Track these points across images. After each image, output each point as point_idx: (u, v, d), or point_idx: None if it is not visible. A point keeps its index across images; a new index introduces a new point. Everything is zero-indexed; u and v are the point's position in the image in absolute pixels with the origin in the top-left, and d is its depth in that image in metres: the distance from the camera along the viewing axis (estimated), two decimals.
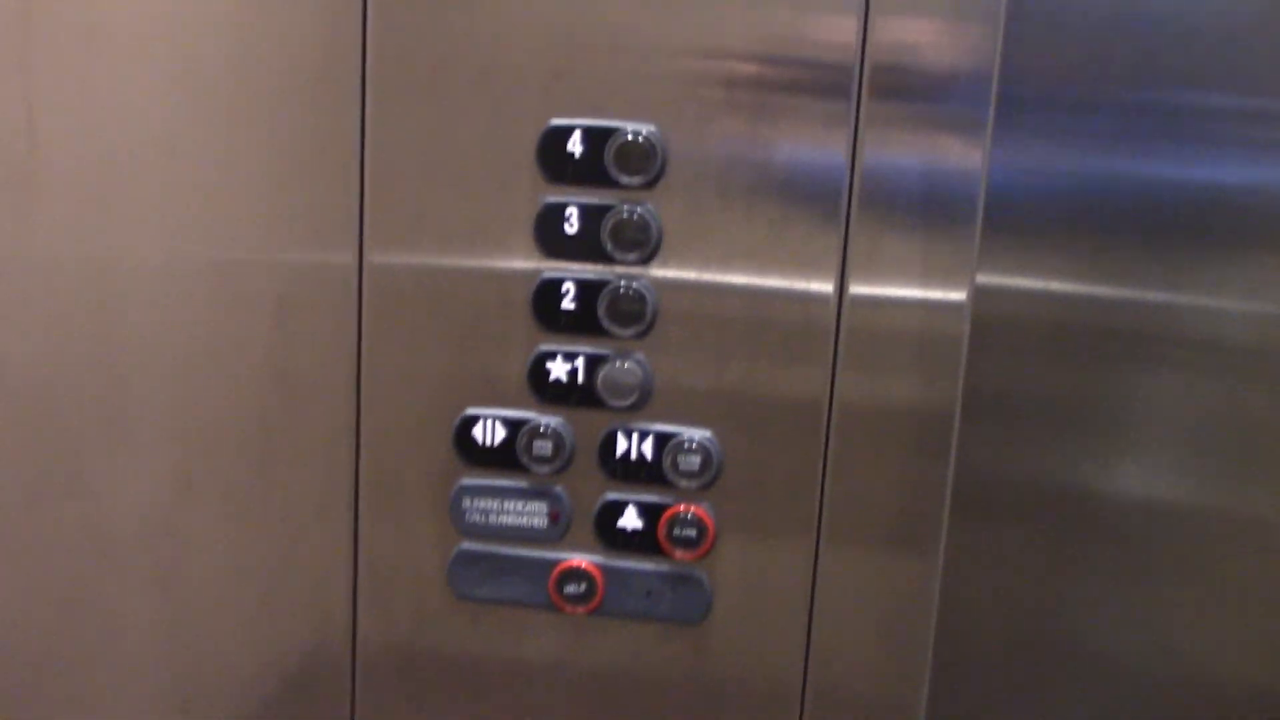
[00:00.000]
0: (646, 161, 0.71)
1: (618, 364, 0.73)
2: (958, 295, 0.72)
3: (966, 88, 0.70)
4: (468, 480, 0.76)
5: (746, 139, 0.71)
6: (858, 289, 0.72)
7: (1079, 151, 0.81)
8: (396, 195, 0.74)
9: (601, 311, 0.73)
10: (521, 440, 0.75)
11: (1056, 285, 0.83)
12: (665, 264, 0.73)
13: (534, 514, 0.76)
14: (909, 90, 0.71)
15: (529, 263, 0.73)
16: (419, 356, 0.76)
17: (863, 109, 0.70)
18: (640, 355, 0.74)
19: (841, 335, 0.73)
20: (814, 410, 0.74)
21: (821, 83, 0.71)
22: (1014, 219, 0.80)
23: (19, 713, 0.85)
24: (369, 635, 0.80)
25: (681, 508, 0.74)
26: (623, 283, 0.72)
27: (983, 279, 0.75)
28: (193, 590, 0.82)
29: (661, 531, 0.75)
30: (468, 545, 0.77)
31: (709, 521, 0.74)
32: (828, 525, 0.75)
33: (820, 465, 0.75)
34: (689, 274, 0.73)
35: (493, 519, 0.76)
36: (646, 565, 0.76)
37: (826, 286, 0.73)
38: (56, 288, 0.79)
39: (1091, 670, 0.86)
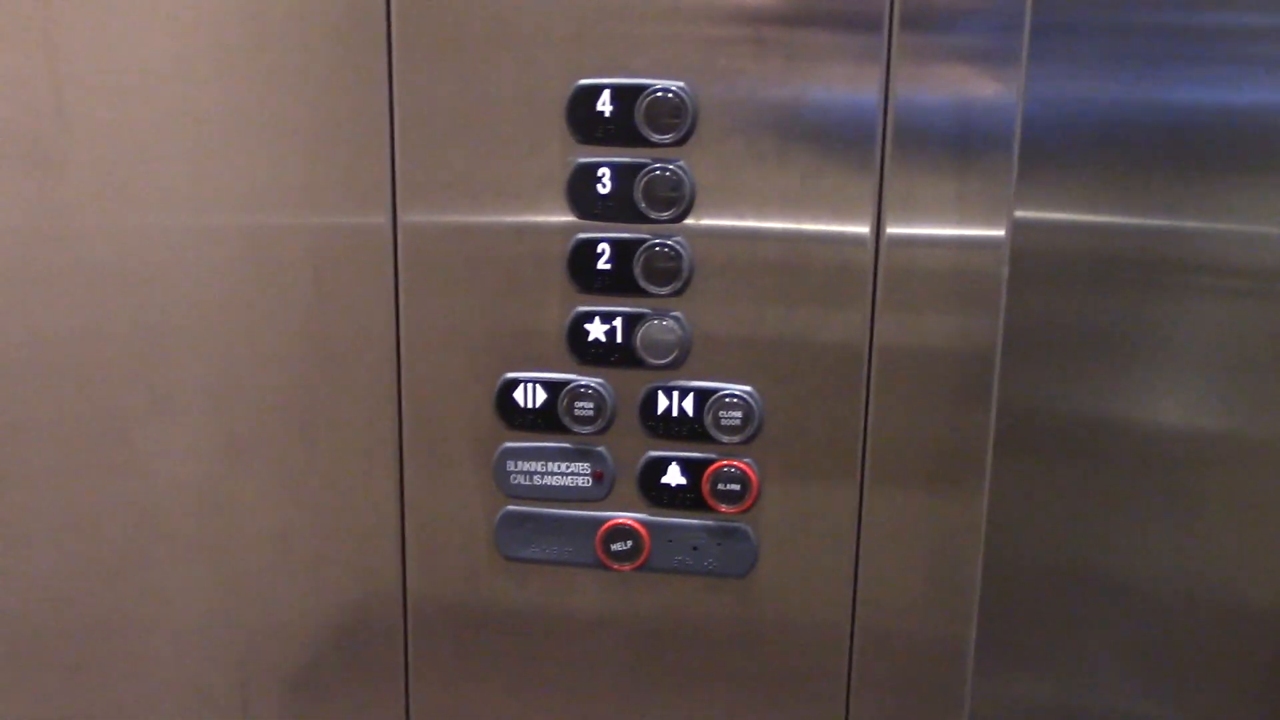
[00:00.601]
0: (677, 118, 0.70)
1: (656, 323, 0.73)
2: (996, 232, 0.71)
3: (999, 16, 0.69)
4: (510, 443, 0.76)
5: (777, 86, 0.70)
6: (895, 229, 0.72)
7: (1113, 78, 0.80)
8: (428, 157, 0.74)
9: (637, 271, 0.72)
10: (562, 402, 0.75)
11: (1094, 217, 0.82)
12: (700, 219, 0.72)
13: (578, 474, 0.76)
14: (941, 22, 0.69)
15: (563, 224, 0.73)
16: (457, 318, 0.76)
17: (894, 43, 0.69)
18: (678, 313, 0.73)
19: (880, 277, 0.73)
20: (854, 355, 0.74)
21: (852, 17, 0.69)
22: (1049, 151, 0.79)
23: (80, 681, 0.87)
24: (419, 596, 0.81)
25: (724, 463, 0.74)
26: (658, 241, 0.72)
27: (1020, 213, 0.74)
28: (243, 556, 0.83)
29: (705, 487, 0.75)
30: (513, 507, 0.77)
31: (752, 475, 0.74)
32: (871, 470, 0.75)
33: (862, 410, 0.74)
34: (724, 228, 0.72)
35: (537, 480, 0.76)
36: (691, 520, 0.76)
37: (863, 229, 0.72)
38: (92, 262, 0.79)
39: (1138, 602, 0.86)
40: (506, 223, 0.74)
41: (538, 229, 0.73)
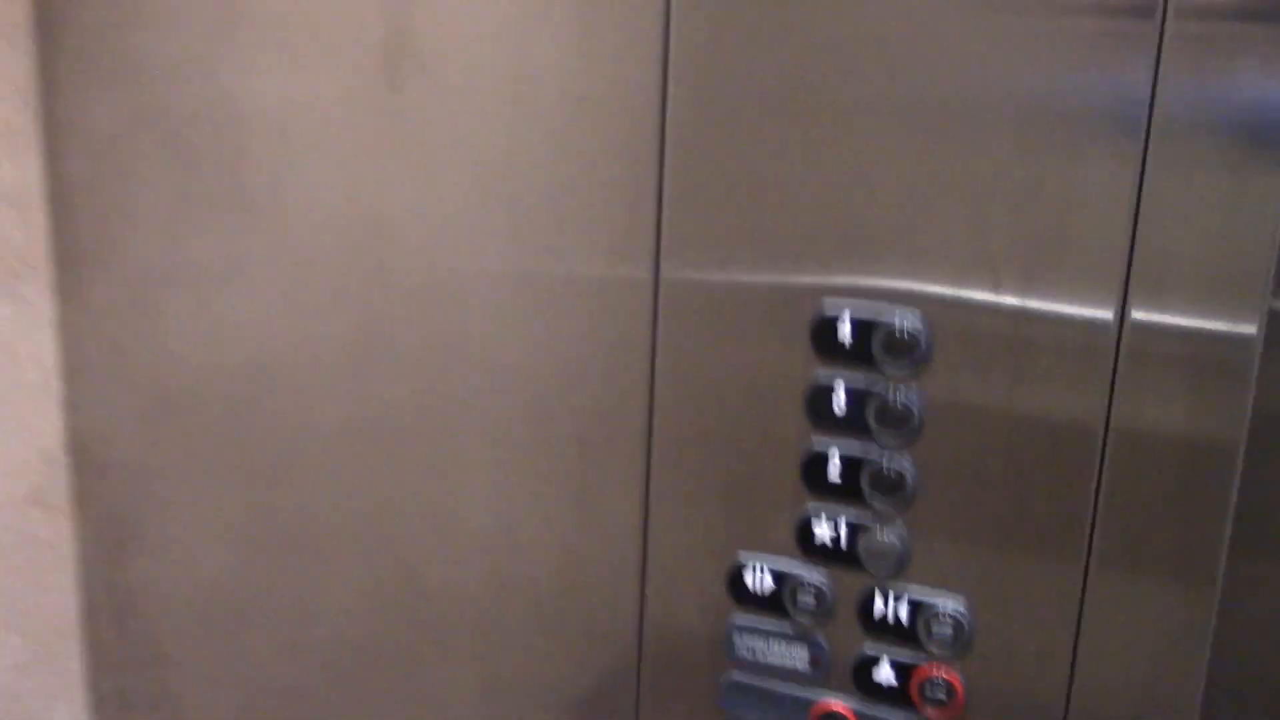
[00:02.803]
0: (910, 350, 0.73)
1: (877, 534, 0.77)
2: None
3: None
4: (739, 619, 0.82)
5: (1009, 326, 0.72)
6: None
7: None
8: (685, 352, 0.81)
9: (864, 483, 0.76)
10: (787, 590, 0.80)
11: None
12: (928, 445, 0.75)
13: (797, 657, 0.81)
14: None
15: (799, 429, 0.78)
16: (698, 503, 0.82)
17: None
18: (900, 525, 0.77)
19: (1100, 509, 0.74)
20: (1070, 589, 0.75)
21: (1086, 276, 0.71)
22: None
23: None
24: None
25: (933, 670, 0.78)
26: (885, 459, 0.76)
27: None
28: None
29: (914, 689, 0.78)
30: (738, 675, 0.83)
31: (959, 685, 0.77)
32: (1077, 699, 0.77)
33: (1071, 638, 0.76)
34: (951, 455, 0.75)
35: (760, 656, 0.82)
36: (899, 717, 0.80)
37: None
38: (403, 293, 0.88)
39: None
40: (749, 424, 0.79)
41: (775, 432, 0.79)
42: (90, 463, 1.01)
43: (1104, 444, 0.73)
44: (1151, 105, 0.68)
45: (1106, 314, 0.71)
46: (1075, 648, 0.76)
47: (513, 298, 0.85)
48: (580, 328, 0.84)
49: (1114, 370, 0.72)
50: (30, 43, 0.90)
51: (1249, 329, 0.69)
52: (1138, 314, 0.71)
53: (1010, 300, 0.72)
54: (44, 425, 0.98)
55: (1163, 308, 0.70)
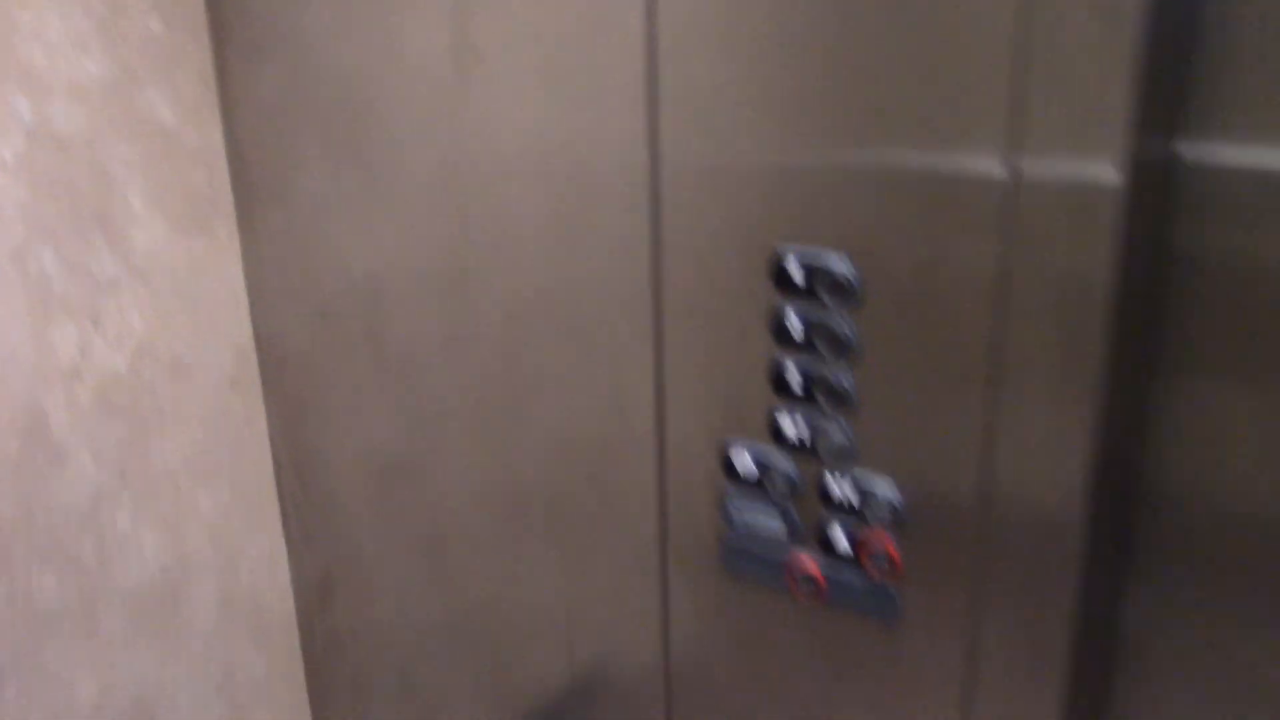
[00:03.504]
0: (845, 287, 0.91)
1: (829, 431, 0.96)
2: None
3: None
4: (731, 491, 1.03)
5: (924, 262, 0.88)
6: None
7: None
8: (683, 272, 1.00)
9: (819, 394, 0.95)
10: (766, 473, 1.00)
11: None
12: (864, 364, 0.93)
13: (774, 524, 1.01)
14: None
15: (764, 346, 0.97)
16: (697, 398, 1.03)
17: None
18: (846, 423, 0.95)
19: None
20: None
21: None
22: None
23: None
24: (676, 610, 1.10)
25: (874, 539, 0.97)
26: (833, 374, 0.94)
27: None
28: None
29: (862, 553, 0.97)
30: (732, 536, 1.04)
31: (894, 553, 0.96)
32: (992, 534, 0.93)
33: (982, 506, 0.92)
34: (884, 369, 0.93)
35: (749, 521, 1.03)
36: (853, 576, 0.99)
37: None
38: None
39: None
40: (721, 347, 0.99)
41: (746, 350, 0.98)
42: (271, 355, 1.30)
43: (997, 331, 0.87)
44: None
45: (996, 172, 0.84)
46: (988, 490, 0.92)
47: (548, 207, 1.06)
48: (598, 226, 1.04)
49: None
50: (206, 36, 1.16)
51: (1112, 175, 0.81)
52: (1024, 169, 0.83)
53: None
54: (236, 328, 1.26)
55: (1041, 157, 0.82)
